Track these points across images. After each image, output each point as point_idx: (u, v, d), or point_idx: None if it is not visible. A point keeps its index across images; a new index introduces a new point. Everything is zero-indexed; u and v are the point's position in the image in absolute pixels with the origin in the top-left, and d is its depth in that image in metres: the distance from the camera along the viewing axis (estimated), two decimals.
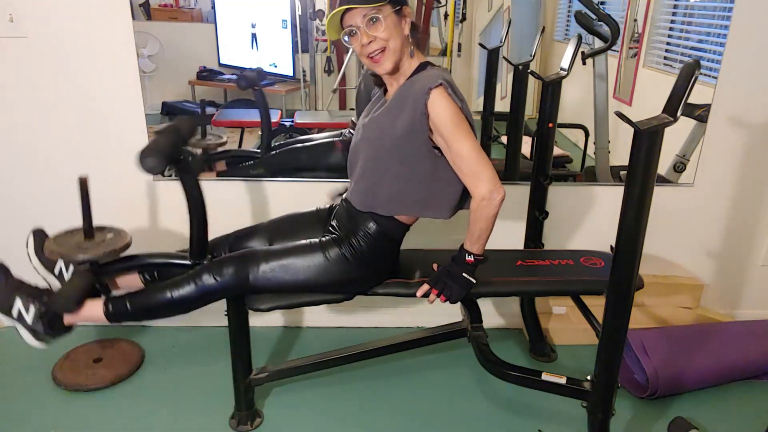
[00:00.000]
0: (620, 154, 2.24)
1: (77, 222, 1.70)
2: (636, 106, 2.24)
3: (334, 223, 1.71)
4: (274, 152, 2.23)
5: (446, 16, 2.15)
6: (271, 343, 2.32)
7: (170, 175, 2.18)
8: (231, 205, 2.17)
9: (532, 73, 2.10)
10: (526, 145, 2.27)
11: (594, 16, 2.04)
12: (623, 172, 2.20)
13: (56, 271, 1.75)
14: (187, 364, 2.16)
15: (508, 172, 2.27)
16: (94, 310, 1.63)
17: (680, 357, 2.00)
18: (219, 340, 2.27)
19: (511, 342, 2.35)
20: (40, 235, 1.72)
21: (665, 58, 2.23)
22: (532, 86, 2.21)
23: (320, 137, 2.26)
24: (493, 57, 2.19)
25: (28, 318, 1.61)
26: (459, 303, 1.70)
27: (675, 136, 2.24)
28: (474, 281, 1.59)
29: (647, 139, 1.29)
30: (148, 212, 2.22)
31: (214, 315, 2.03)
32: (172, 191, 2.21)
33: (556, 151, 2.12)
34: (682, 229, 2.33)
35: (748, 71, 2.11)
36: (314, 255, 1.61)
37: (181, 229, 2.22)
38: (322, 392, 2.02)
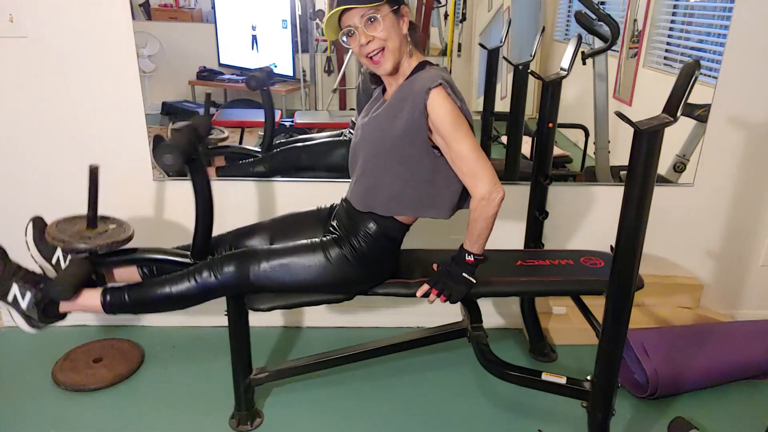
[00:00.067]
0: (620, 154, 2.24)
1: None
2: (636, 106, 2.24)
3: (334, 223, 1.71)
4: (274, 151, 2.23)
5: (446, 16, 2.15)
6: (271, 343, 2.32)
7: (170, 174, 2.18)
8: (232, 204, 2.17)
9: (532, 73, 2.10)
10: (526, 145, 2.27)
11: (594, 16, 2.04)
12: (623, 172, 2.20)
13: (54, 260, 1.75)
14: (187, 364, 2.16)
15: (508, 172, 2.27)
16: (90, 299, 1.62)
17: (680, 357, 2.00)
18: (219, 340, 2.27)
19: (511, 342, 2.35)
20: (39, 224, 1.71)
21: (665, 58, 2.23)
22: (532, 86, 2.21)
23: (320, 137, 2.26)
24: (493, 57, 2.19)
25: (24, 304, 1.60)
26: (459, 303, 1.70)
27: (675, 136, 2.24)
28: (474, 281, 1.59)
29: (647, 139, 1.29)
30: (147, 212, 2.22)
31: (214, 315, 2.04)
32: (171, 191, 2.21)
33: (556, 151, 2.12)
34: (682, 229, 2.33)
35: (748, 71, 2.11)
36: (315, 255, 1.61)
37: (179, 229, 2.23)
38: (322, 392, 2.02)
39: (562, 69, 1.96)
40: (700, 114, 2.19)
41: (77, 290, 1.61)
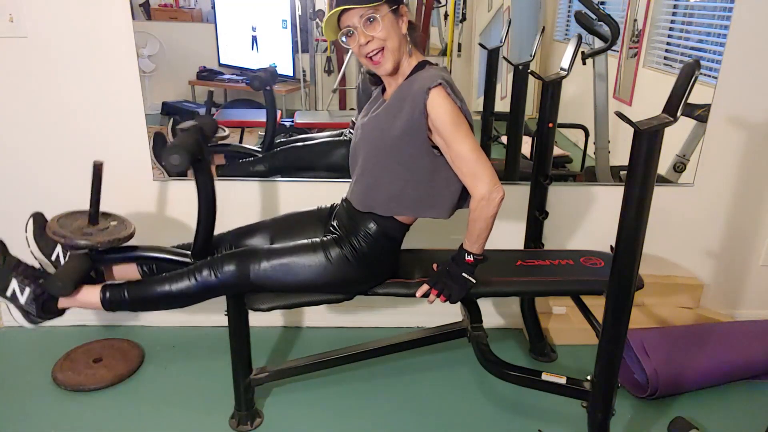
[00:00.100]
0: (620, 154, 2.24)
1: None
2: (636, 106, 2.24)
3: (334, 223, 1.71)
4: (275, 150, 2.23)
5: (446, 16, 2.15)
6: (271, 343, 2.32)
7: (172, 174, 2.18)
8: (232, 203, 2.16)
9: (532, 73, 2.10)
10: (526, 145, 2.27)
11: (594, 16, 2.04)
12: (623, 172, 2.20)
13: (53, 257, 1.75)
14: (187, 364, 2.16)
15: (508, 172, 2.27)
16: (90, 295, 1.62)
17: (680, 357, 2.00)
18: (219, 340, 2.27)
19: (511, 342, 2.35)
20: (39, 220, 1.71)
21: (665, 58, 2.23)
22: (532, 86, 2.21)
23: (321, 137, 2.26)
24: (493, 57, 2.19)
25: (22, 299, 1.60)
26: (459, 303, 1.70)
27: (675, 136, 2.24)
28: (474, 281, 1.59)
29: (647, 139, 1.29)
30: (146, 211, 2.22)
31: (214, 315, 2.04)
32: (171, 191, 2.22)
33: (556, 151, 2.12)
34: (682, 229, 2.33)
35: (748, 71, 2.11)
36: (315, 255, 1.61)
37: (179, 229, 2.23)
38: (322, 392, 2.02)
39: (562, 69, 1.96)
40: (700, 114, 2.19)
41: (77, 286, 1.60)
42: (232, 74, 2.18)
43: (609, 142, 2.25)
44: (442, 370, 2.16)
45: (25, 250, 1.70)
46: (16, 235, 1.74)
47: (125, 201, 2.13)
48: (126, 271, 1.79)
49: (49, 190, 2.18)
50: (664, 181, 2.27)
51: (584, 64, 2.14)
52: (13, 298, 1.60)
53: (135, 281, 1.66)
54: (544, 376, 1.69)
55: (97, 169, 1.66)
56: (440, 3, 2.14)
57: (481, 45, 2.19)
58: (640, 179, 1.32)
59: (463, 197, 1.59)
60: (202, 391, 2.02)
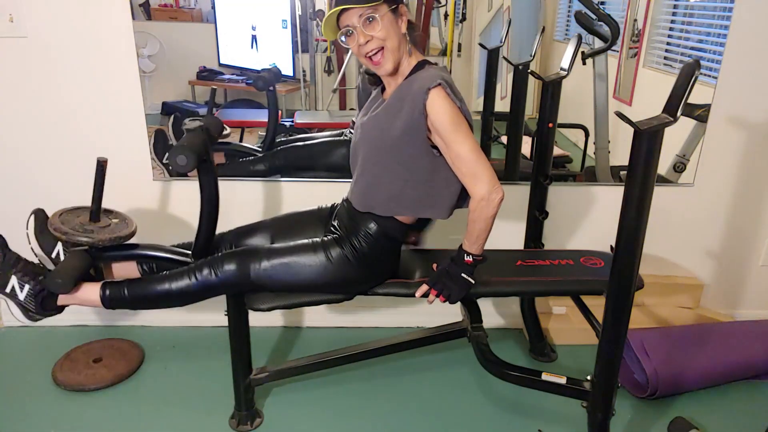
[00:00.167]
0: (620, 154, 2.24)
1: None
2: (636, 106, 2.24)
3: (335, 222, 1.71)
4: (275, 150, 2.23)
5: (446, 16, 2.15)
6: (271, 343, 2.32)
7: (173, 174, 2.18)
8: (233, 203, 2.16)
9: (532, 73, 2.10)
10: (526, 145, 2.27)
11: (594, 16, 2.04)
12: (623, 172, 2.20)
13: (53, 254, 1.75)
14: (187, 364, 2.16)
15: (508, 172, 2.27)
16: (89, 292, 1.62)
17: (680, 357, 2.00)
18: (219, 340, 2.27)
19: (511, 342, 2.35)
20: (41, 216, 1.71)
21: (665, 58, 2.23)
22: (532, 86, 2.21)
23: (321, 137, 2.26)
24: (493, 57, 2.19)
25: (21, 295, 1.60)
26: (459, 303, 1.70)
27: (675, 136, 2.24)
28: (473, 281, 1.59)
29: (647, 139, 1.29)
30: (146, 211, 2.22)
31: (214, 315, 2.03)
32: (171, 191, 2.22)
33: (556, 151, 2.12)
34: (682, 229, 2.33)
35: (748, 71, 2.11)
36: (316, 255, 1.61)
37: (179, 229, 2.23)
38: (322, 392, 2.02)
39: (562, 69, 1.96)
40: (700, 114, 2.19)
41: (76, 283, 1.60)
42: (232, 74, 2.18)
43: (609, 142, 2.25)
44: (442, 370, 2.16)
45: (24, 247, 1.70)
46: (15, 235, 1.73)
47: (125, 201, 2.13)
48: (126, 270, 1.79)
49: (49, 189, 2.18)
50: (664, 181, 2.27)
51: (584, 64, 2.14)
52: (13, 295, 1.60)
53: (135, 279, 1.66)
54: (544, 376, 1.69)
55: (101, 166, 1.66)
56: (440, 3, 2.14)
57: (481, 45, 2.19)
58: (640, 179, 1.32)
59: (463, 197, 1.59)
60: (202, 391, 2.02)
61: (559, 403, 1.77)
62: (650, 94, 2.20)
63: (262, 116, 2.18)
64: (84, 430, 1.84)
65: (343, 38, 1.49)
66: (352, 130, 2.14)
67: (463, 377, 2.12)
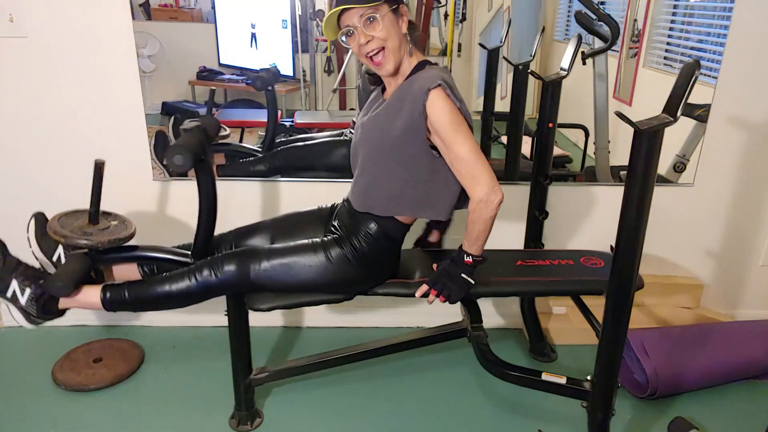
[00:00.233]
0: (620, 154, 2.24)
1: None
2: (636, 106, 2.24)
3: (335, 222, 1.71)
4: (275, 150, 2.23)
5: (446, 16, 2.15)
6: (271, 343, 2.32)
7: (173, 174, 2.18)
8: (233, 203, 2.17)
9: (532, 73, 2.10)
10: (526, 145, 2.27)
11: (594, 16, 2.04)
12: (623, 172, 2.20)
13: (54, 257, 1.75)
14: (187, 364, 2.16)
15: (508, 173, 2.27)
16: (90, 295, 1.62)
17: (680, 357, 2.00)
18: (219, 340, 2.27)
19: (511, 342, 2.35)
20: (41, 219, 1.71)
21: (665, 58, 2.23)
22: (532, 86, 2.21)
23: (321, 137, 2.26)
24: (493, 57, 2.19)
25: (23, 300, 1.59)
26: (459, 303, 1.70)
27: (675, 136, 2.24)
28: (473, 282, 1.59)
29: (647, 139, 1.29)
30: (146, 211, 2.22)
31: (214, 315, 2.04)
32: (171, 191, 2.21)
33: (556, 151, 2.12)
34: (682, 229, 2.33)
35: (748, 71, 2.11)
36: (316, 255, 1.61)
37: (179, 229, 2.23)
38: (322, 392, 2.02)
39: (562, 69, 1.96)
40: (700, 114, 2.19)
41: (77, 286, 1.60)
42: (232, 74, 2.18)
43: (609, 142, 2.25)
44: (442, 370, 2.16)
45: (25, 249, 1.70)
46: (15, 235, 1.74)
47: (125, 201, 2.13)
48: (126, 271, 1.79)
49: (49, 190, 2.18)
50: (664, 181, 2.27)
51: (584, 64, 2.14)
52: (14, 299, 1.60)
53: (135, 281, 1.66)
54: (544, 376, 1.69)
55: (99, 168, 1.66)
56: (440, 3, 2.14)
57: (481, 45, 2.19)
58: (640, 179, 1.32)
59: (463, 198, 1.59)
60: (202, 391, 2.02)
61: (559, 403, 1.77)
62: (650, 94, 2.20)
63: (262, 116, 2.19)
64: (84, 430, 1.84)
65: (343, 38, 1.49)
66: (352, 130, 2.14)
67: (463, 377, 2.12)
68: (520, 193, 2.17)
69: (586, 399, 1.65)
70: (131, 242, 1.69)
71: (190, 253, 1.69)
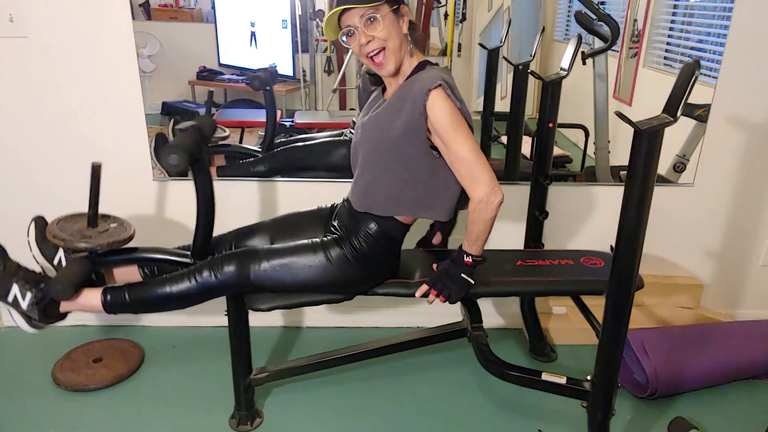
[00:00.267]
0: (620, 154, 2.24)
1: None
2: (636, 106, 2.24)
3: (335, 223, 1.71)
4: (275, 150, 2.23)
5: (446, 16, 2.15)
6: (271, 343, 2.32)
7: (171, 174, 2.18)
8: (232, 204, 2.17)
9: (532, 73, 2.10)
10: (526, 145, 2.27)
11: (594, 16, 2.04)
12: (623, 172, 2.20)
13: (55, 261, 1.75)
14: (187, 364, 2.16)
15: (508, 173, 2.27)
16: (91, 298, 1.62)
17: (680, 357, 2.00)
18: (219, 340, 2.27)
19: (511, 342, 2.35)
20: (41, 223, 1.71)
21: (665, 58, 2.23)
22: (532, 86, 2.21)
23: (321, 137, 2.26)
24: (493, 57, 2.19)
25: (24, 304, 1.59)
26: (459, 303, 1.70)
27: (675, 136, 2.24)
28: (473, 282, 1.59)
29: (647, 139, 1.29)
30: (147, 212, 2.22)
31: (214, 315, 2.04)
32: (171, 191, 2.21)
33: (556, 151, 2.12)
34: (682, 229, 2.33)
35: (748, 71, 2.11)
36: (316, 255, 1.61)
37: (179, 229, 2.23)
38: (322, 392, 2.02)
39: (562, 69, 1.96)
40: (700, 114, 2.19)
41: (77, 289, 1.60)
42: (232, 74, 2.18)
43: (609, 142, 2.25)
44: (442, 370, 2.16)
45: (25, 250, 1.70)
46: (15, 236, 1.73)
47: (125, 201, 2.13)
48: (127, 273, 1.79)
49: (49, 190, 2.18)
50: (664, 181, 2.27)
51: (584, 64, 2.14)
52: (15, 304, 1.60)
53: (135, 283, 1.66)
54: (544, 376, 1.69)
55: (96, 171, 1.66)
56: (440, 3, 2.14)
57: (481, 45, 2.19)
58: (640, 179, 1.32)
59: (463, 199, 1.58)
60: (202, 391, 2.02)
61: (559, 403, 1.77)
62: (650, 94, 2.20)
63: (262, 116, 2.18)
64: (84, 430, 1.84)
65: (344, 38, 1.49)
66: (352, 130, 2.14)
67: (463, 377, 2.12)
68: (520, 193, 2.17)
69: (586, 399, 1.65)
70: (131, 244, 1.69)
71: (190, 253, 1.69)
